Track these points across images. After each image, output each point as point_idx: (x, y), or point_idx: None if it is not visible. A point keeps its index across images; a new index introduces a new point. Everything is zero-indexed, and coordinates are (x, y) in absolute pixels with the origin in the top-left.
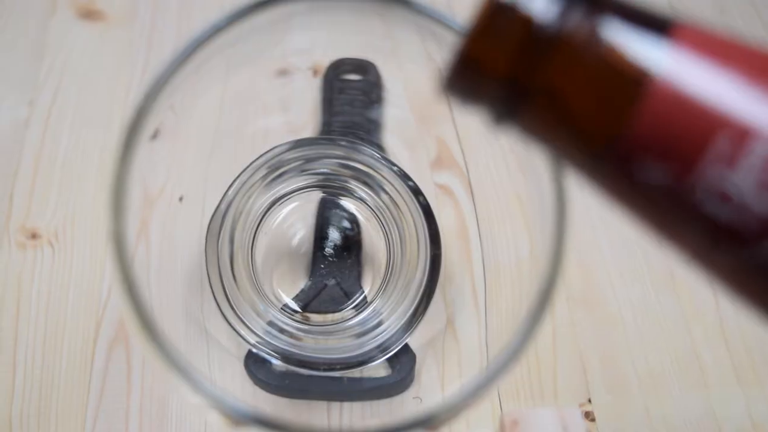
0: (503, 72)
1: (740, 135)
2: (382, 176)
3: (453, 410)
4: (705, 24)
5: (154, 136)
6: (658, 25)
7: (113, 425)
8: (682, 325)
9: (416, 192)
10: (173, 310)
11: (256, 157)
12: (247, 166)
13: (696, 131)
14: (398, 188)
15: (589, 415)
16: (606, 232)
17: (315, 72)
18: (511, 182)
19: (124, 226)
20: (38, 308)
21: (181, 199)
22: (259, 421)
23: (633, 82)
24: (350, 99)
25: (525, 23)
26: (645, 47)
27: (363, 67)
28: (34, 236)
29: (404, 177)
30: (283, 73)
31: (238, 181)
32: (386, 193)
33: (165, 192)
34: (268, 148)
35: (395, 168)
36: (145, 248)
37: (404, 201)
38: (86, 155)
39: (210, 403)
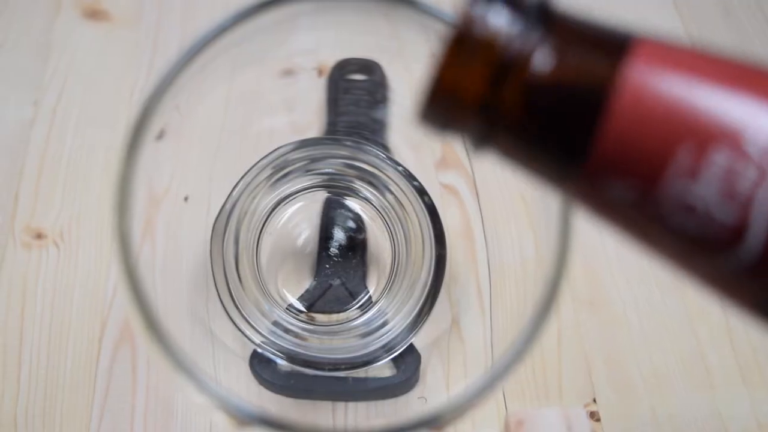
0: (472, 99)
1: (700, 147)
2: (387, 176)
3: (458, 410)
4: (665, 37)
5: (160, 136)
6: (614, 44)
7: (118, 425)
8: (687, 326)
9: (421, 192)
10: (178, 310)
11: (261, 157)
12: (252, 166)
13: (657, 146)
14: (403, 188)
15: (594, 416)
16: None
17: (320, 72)
18: (516, 182)
19: (129, 225)
20: (43, 308)
21: (186, 199)
22: (264, 421)
23: (590, 103)
24: (355, 99)
25: (488, 49)
26: (600, 68)
27: (368, 67)
28: (39, 236)
29: (409, 177)
30: (288, 73)
31: (243, 181)
32: (391, 193)
33: (170, 192)
34: (273, 148)
35: (400, 168)
36: (150, 248)
37: (409, 201)
38: (91, 155)
39: (215, 403)
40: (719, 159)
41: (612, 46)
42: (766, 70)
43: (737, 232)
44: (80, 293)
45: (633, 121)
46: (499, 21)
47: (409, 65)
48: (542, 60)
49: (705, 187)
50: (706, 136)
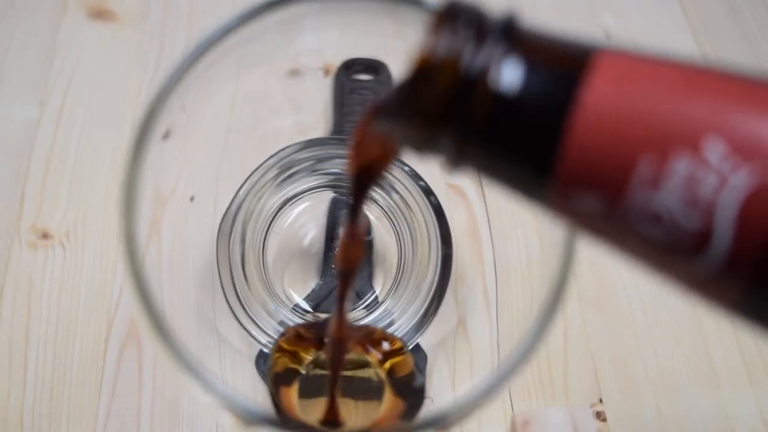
0: (441, 117)
1: (660, 157)
2: (394, 176)
3: (464, 410)
4: (627, 48)
5: (166, 136)
6: (575, 59)
7: (124, 425)
8: (693, 325)
9: (428, 192)
10: (184, 310)
11: (267, 157)
12: (258, 166)
13: (619, 159)
14: (409, 188)
15: (600, 415)
16: None
17: (326, 72)
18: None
19: (135, 226)
20: (49, 308)
21: (192, 199)
22: (271, 421)
23: (552, 118)
24: (361, 99)
25: (452, 68)
26: (560, 83)
27: (374, 67)
28: (45, 236)
29: (415, 177)
30: (294, 73)
31: (249, 181)
32: (397, 193)
33: (176, 192)
34: (279, 148)
35: (406, 168)
36: (156, 248)
37: (415, 201)
38: (97, 155)
39: (221, 403)
40: (679, 168)
41: (572, 62)
42: (727, 75)
43: (704, 237)
44: (86, 293)
45: (594, 135)
46: (461, 39)
47: None
48: (505, 76)
49: (668, 196)
50: (665, 145)
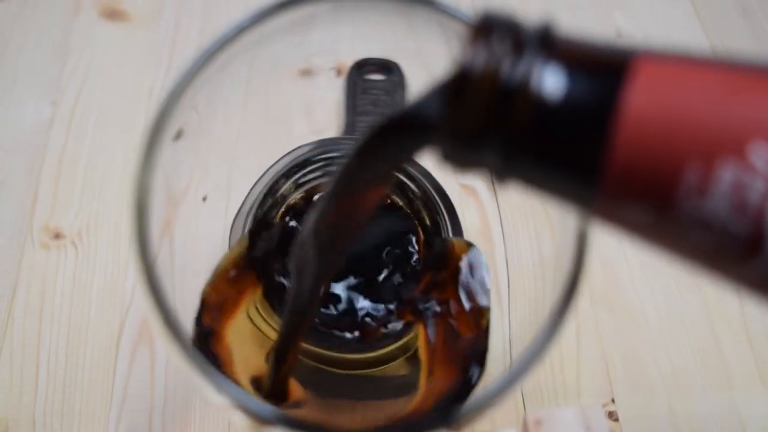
0: (484, 132)
1: (706, 164)
2: (406, 175)
3: (476, 410)
4: (667, 50)
5: (178, 136)
6: (614, 66)
7: (137, 425)
8: (705, 324)
9: (440, 191)
10: (197, 310)
11: (280, 157)
12: (271, 166)
13: (664, 168)
14: (422, 187)
15: (612, 415)
16: None
17: (338, 72)
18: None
19: (147, 226)
20: (62, 308)
21: (204, 199)
22: (283, 420)
23: (595, 127)
24: (374, 99)
25: (491, 81)
26: (601, 91)
27: (387, 67)
28: (57, 236)
29: (428, 176)
30: (306, 73)
31: (261, 181)
32: (410, 192)
33: (188, 192)
34: (292, 148)
35: (419, 167)
36: (168, 248)
37: (428, 200)
38: (110, 155)
39: (233, 403)
40: (726, 175)
41: (613, 67)
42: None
43: (755, 242)
44: (98, 293)
45: (638, 144)
46: (499, 51)
47: (427, 65)
48: (546, 83)
49: (716, 204)
50: (710, 152)
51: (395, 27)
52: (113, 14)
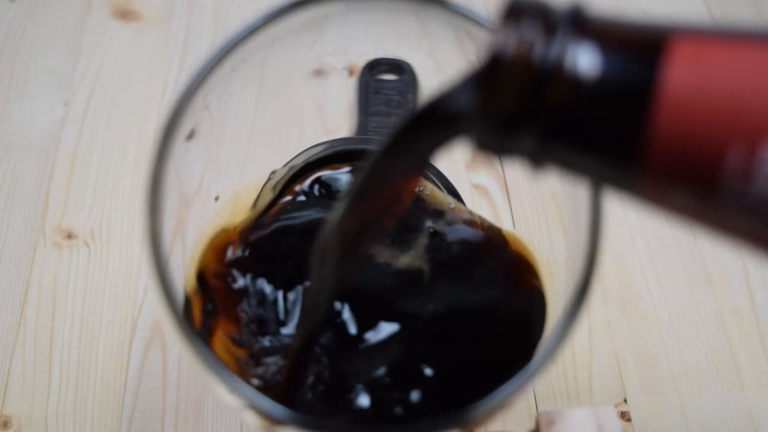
0: (520, 117)
1: (749, 146)
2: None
3: (489, 410)
4: (702, 27)
5: (190, 136)
6: (651, 44)
7: (149, 425)
8: (718, 325)
9: (452, 192)
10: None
11: (292, 157)
12: (282, 166)
13: (706, 151)
14: (434, 187)
15: (624, 415)
16: (641, 231)
17: (351, 72)
18: (547, 182)
19: (159, 225)
20: (74, 308)
21: (216, 198)
22: (295, 421)
23: (634, 107)
24: (386, 99)
25: (526, 65)
26: (638, 71)
27: (399, 67)
28: (69, 236)
29: (440, 176)
30: (318, 73)
31: (272, 180)
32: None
33: (201, 192)
34: (304, 148)
35: (431, 168)
36: (180, 248)
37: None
38: (122, 155)
39: (246, 403)
40: None
41: (650, 44)
42: None
43: None
44: (111, 293)
45: (678, 124)
46: (531, 33)
47: (439, 65)
48: (580, 62)
49: (761, 187)
50: (753, 134)
51: (407, 27)
52: (125, 14)
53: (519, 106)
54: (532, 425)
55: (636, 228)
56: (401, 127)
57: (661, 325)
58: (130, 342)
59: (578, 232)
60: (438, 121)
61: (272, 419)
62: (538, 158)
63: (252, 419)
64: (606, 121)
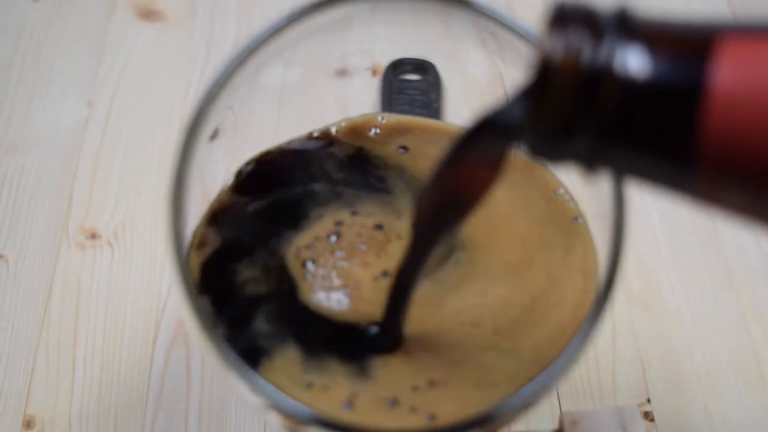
0: (573, 121)
1: None
2: None
3: (513, 410)
4: (748, 25)
5: (213, 136)
6: (698, 44)
7: (173, 425)
8: (741, 325)
9: None
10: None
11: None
12: None
13: (757, 147)
14: None
15: (648, 415)
16: (664, 231)
17: (374, 72)
18: (570, 183)
19: (183, 225)
20: (98, 308)
21: None
22: (319, 421)
23: (682, 101)
24: (409, 99)
25: (575, 70)
26: (686, 64)
27: (422, 67)
28: (93, 236)
29: None
30: (342, 73)
31: None
32: None
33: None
34: None
35: None
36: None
37: None
38: (145, 155)
39: (269, 403)
40: None
41: (698, 44)
42: None
43: None
44: (134, 293)
45: (729, 123)
46: (578, 38)
47: (463, 65)
48: (630, 64)
49: None
50: None
51: (431, 27)
52: (149, 14)
53: (570, 113)
54: (555, 425)
55: (659, 228)
56: (458, 143)
57: (684, 325)
58: (153, 342)
59: (602, 233)
60: (493, 135)
61: (295, 419)
62: (591, 162)
63: (275, 419)
64: (657, 121)
